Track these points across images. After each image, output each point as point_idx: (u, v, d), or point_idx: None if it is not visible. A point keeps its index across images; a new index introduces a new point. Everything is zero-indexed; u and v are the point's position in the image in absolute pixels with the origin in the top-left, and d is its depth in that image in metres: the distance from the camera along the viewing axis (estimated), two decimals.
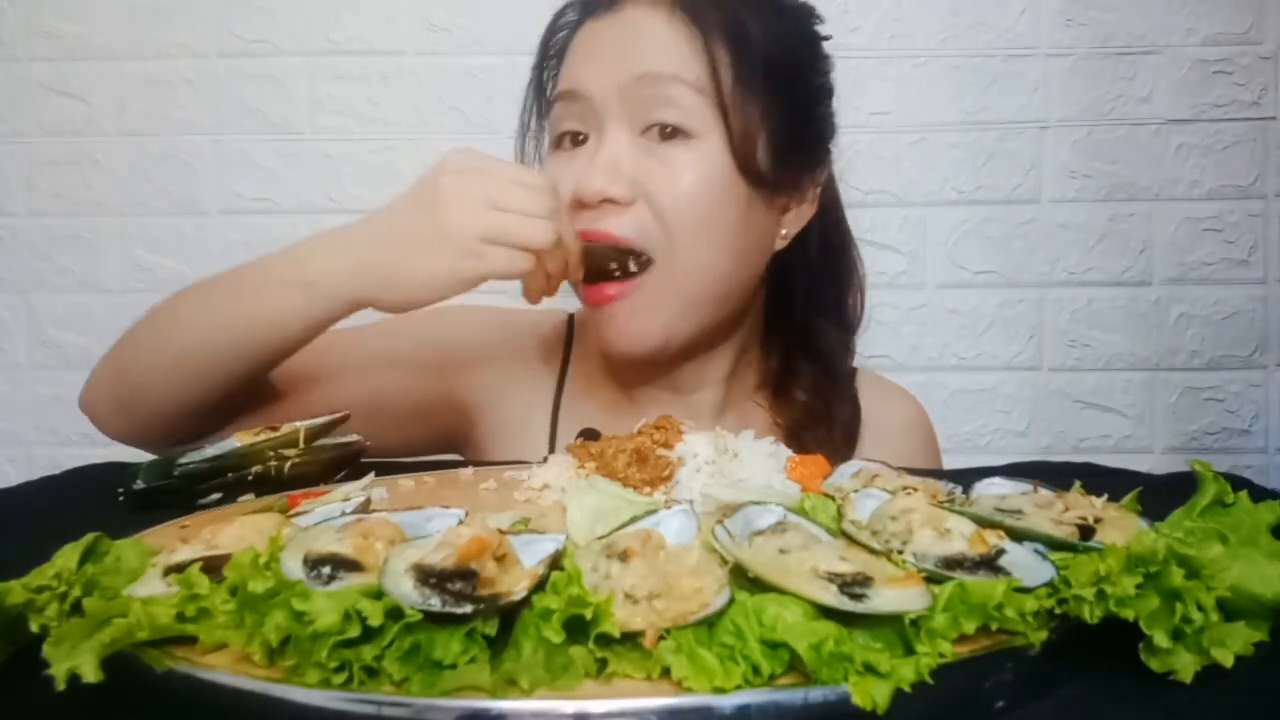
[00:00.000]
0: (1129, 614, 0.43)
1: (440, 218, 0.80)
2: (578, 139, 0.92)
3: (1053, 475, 0.65)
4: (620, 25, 0.91)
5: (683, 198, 0.88)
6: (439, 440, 1.05)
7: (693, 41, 0.88)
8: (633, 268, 0.88)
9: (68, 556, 0.48)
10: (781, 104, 0.91)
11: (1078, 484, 0.61)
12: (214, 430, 0.91)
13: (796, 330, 1.02)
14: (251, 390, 0.92)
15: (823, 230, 1.01)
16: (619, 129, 0.89)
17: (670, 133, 0.88)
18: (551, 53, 0.98)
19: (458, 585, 0.41)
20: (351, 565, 0.45)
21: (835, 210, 1.04)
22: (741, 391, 1.03)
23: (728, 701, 0.38)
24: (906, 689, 0.39)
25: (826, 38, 0.98)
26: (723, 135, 0.88)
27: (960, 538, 0.49)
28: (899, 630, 0.41)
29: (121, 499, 0.77)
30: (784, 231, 0.97)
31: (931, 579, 0.45)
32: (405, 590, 0.41)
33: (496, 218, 0.80)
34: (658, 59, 0.89)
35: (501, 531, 0.47)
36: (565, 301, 1.05)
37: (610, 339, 0.92)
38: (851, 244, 1.06)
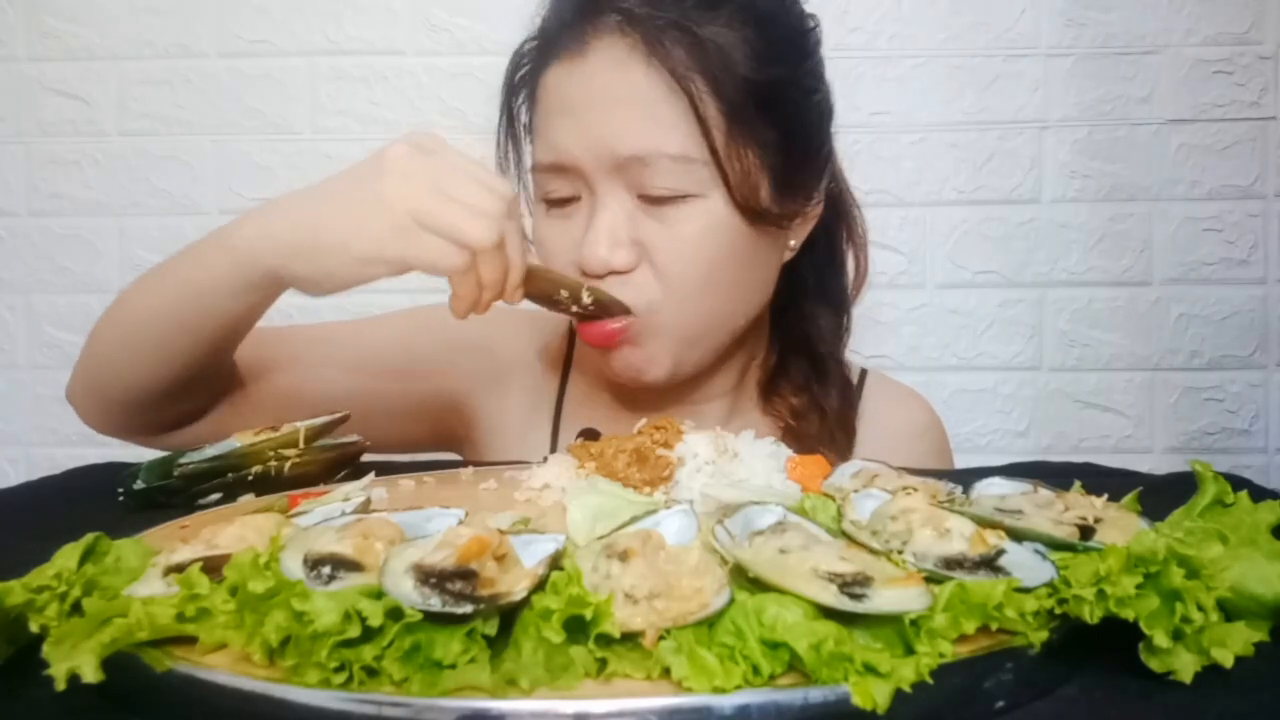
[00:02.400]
0: (1129, 614, 0.43)
1: (379, 185, 0.73)
2: (565, 201, 0.87)
3: (1053, 475, 0.64)
4: (591, 79, 0.84)
5: (685, 256, 0.84)
6: (436, 437, 1.04)
7: (676, 102, 0.81)
8: (586, 299, 0.82)
9: (68, 556, 0.48)
10: (776, 126, 0.86)
11: (1078, 484, 0.61)
12: (190, 419, 0.90)
13: (795, 324, 1.00)
14: (215, 372, 0.90)
15: (825, 222, 0.97)
16: (614, 193, 0.84)
17: (668, 195, 0.83)
18: (517, 85, 0.93)
19: (458, 585, 0.41)
20: (351, 565, 0.45)
21: (834, 183, 0.98)
22: (746, 400, 1.01)
23: (728, 701, 0.38)
24: (906, 689, 0.39)
25: (812, 28, 0.92)
26: (722, 189, 0.84)
27: (960, 538, 0.49)
28: (899, 630, 0.41)
29: (121, 499, 0.77)
30: (792, 242, 0.94)
31: (931, 579, 0.45)
32: (405, 590, 0.41)
33: (437, 202, 0.72)
34: (642, 135, 0.82)
35: (501, 531, 0.47)
36: None
37: (617, 370, 0.89)
38: (850, 204, 1.01)
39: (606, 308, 0.83)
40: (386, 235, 0.72)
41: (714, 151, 0.82)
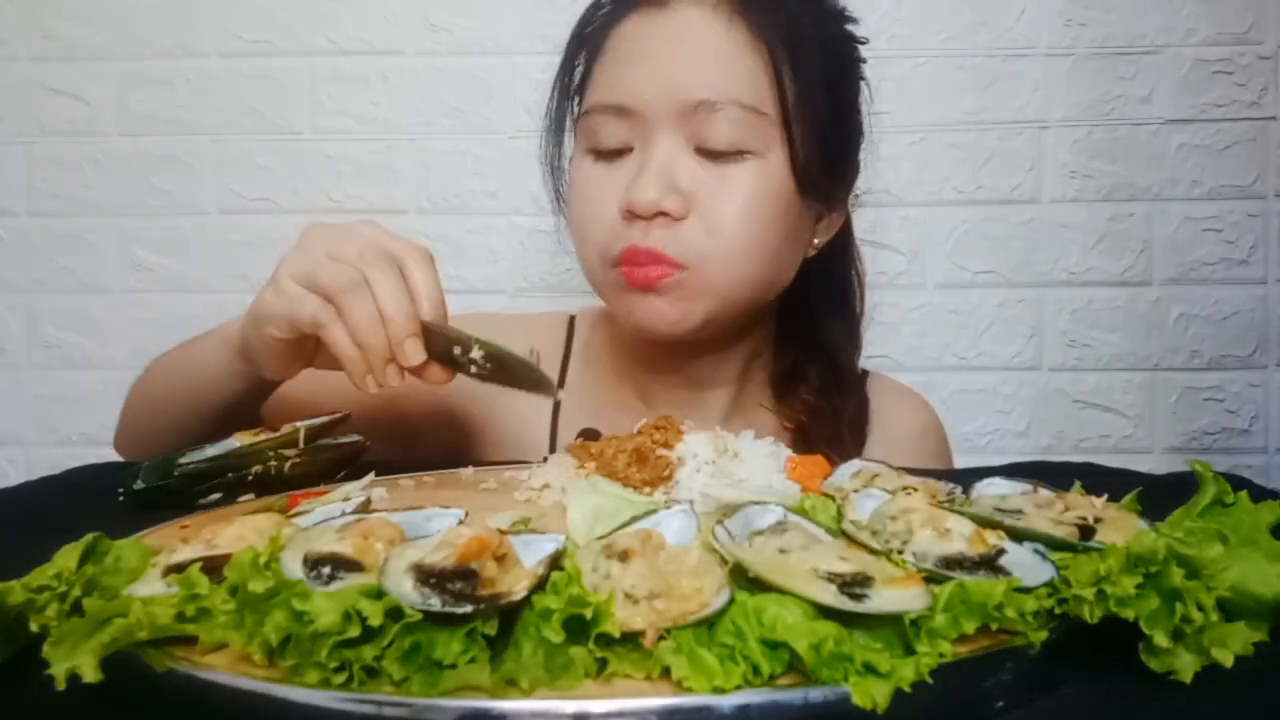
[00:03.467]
0: (1129, 614, 0.43)
1: (283, 259, 0.76)
2: (613, 154, 0.88)
3: (1053, 475, 0.64)
4: (672, 29, 0.85)
5: (738, 214, 0.85)
6: (441, 455, 1.04)
7: (755, 54, 0.84)
8: (476, 354, 0.73)
9: (68, 556, 0.48)
10: (832, 109, 0.88)
11: (1078, 484, 0.61)
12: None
13: (807, 331, 1.01)
14: (243, 424, 0.92)
15: (840, 236, 1.01)
16: (671, 141, 0.85)
17: (729, 149, 0.84)
18: (585, 43, 0.93)
19: (458, 585, 0.41)
20: (351, 565, 0.45)
21: (848, 215, 1.03)
22: (751, 393, 1.02)
23: (728, 701, 0.38)
24: (906, 689, 0.39)
25: (864, 40, 0.96)
26: (784, 151, 0.85)
27: (960, 538, 0.49)
28: (899, 630, 0.41)
29: (121, 499, 0.77)
30: (816, 240, 0.96)
31: (931, 579, 0.45)
32: (405, 590, 0.41)
33: (314, 260, 0.73)
34: (717, 80, 0.83)
35: (501, 531, 0.47)
36: (566, 302, 1.05)
37: (649, 319, 0.88)
38: (852, 235, 1.05)
39: (506, 367, 0.73)
40: (269, 297, 0.76)
41: (784, 108, 0.84)
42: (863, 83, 0.97)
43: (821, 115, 0.87)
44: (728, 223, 0.85)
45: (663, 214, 0.84)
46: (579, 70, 0.94)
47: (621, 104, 0.86)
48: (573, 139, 0.95)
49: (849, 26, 0.95)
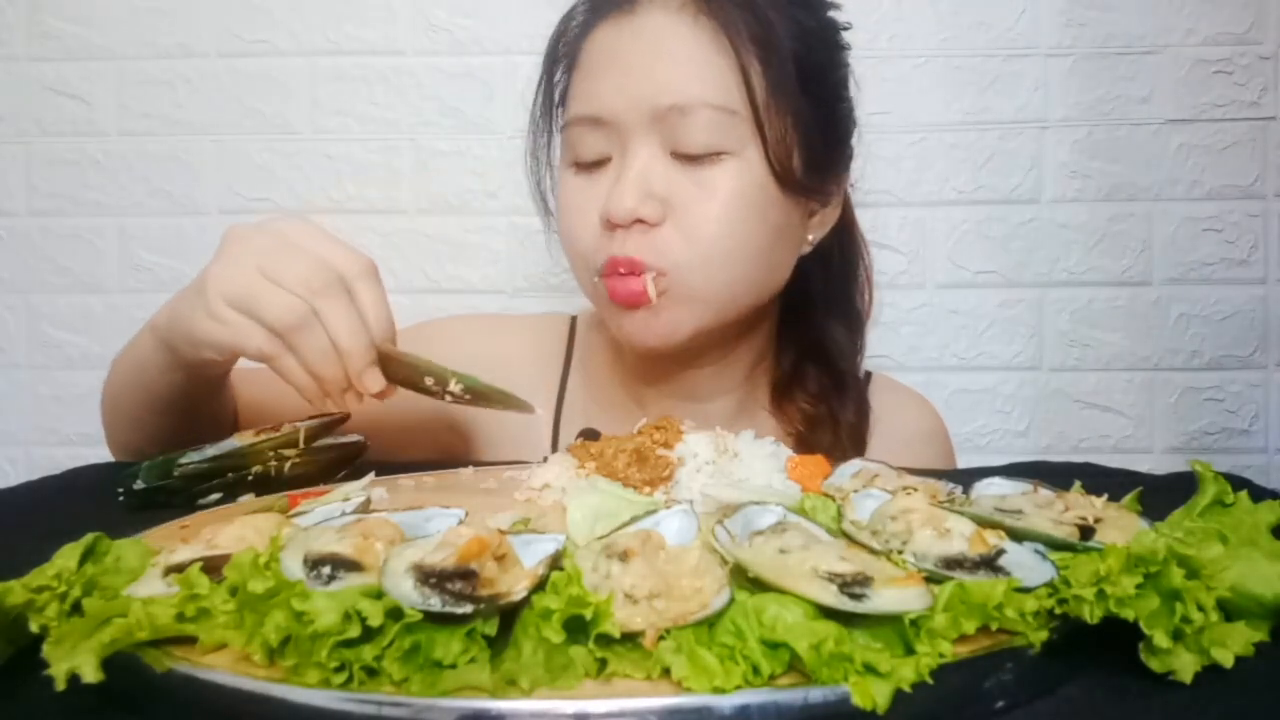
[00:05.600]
0: (1129, 614, 0.43)
1: (207, 269, 0.73)
2: (594, 165, 0.88)
3: (1053, 475, 0.64)
4: (639, 35, 0.85)
5: (717, 216, 0.84)
6: (441, 447, 1.04)
7: (722, 54, 0.83)
8: (454, 387, 0.74)
9: (68, 556, 0.48)
10: (811, 104, 0.87)
11: (1078, 484, 0.61)
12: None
13: (808, 333, 1.00)
14: (212, 418, 0.92)
15: (839, 232, 0.99)
16: (647, 148, 0.85)
17: (703, 152, 0.84)
18: (561, 54, 0.94)
19: (458, 585, 0.41)
20: (351, 565, 0.45)
21: (849, 210, 1.02)
22: (754, 401, 1.01)
23: (728, 701, 0.38)
24: (906, 689, 0.39)
25: (845, 26, 0.95)
26: (758, 149, 0.84)
27: (960, 538, 0.49)
28: (899, 630, 0.41)
29: (121, 499, 0.77)
30: (810, 237, 0.95)
31: (931, 579, 0.45)
32: (405, 590, 0.41)
33: (249, 280, 0.70)
34: (686, 84, 0.83)
35: (501, 531, 0.47)
36: (565, 303, 1.05)
37: (636, 333, 0.88)
38: (860, 237, 1.04)
39: (485, 396, 0.75)
40: (205, 321, 0.72)
41: (754, 106, 0.83)
42: (848, 71, 0.96)
43: (800, 109, 0.86)
44: (706, 226, 0.84)
45: (640, 221, 0.84)
46: (559, 84, 0.94)
47: (595, 115, 0.86)
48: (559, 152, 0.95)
49: (831, 14, 0.94)
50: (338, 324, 0.70)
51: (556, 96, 0.95)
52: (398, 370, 0.74)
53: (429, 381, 0.74)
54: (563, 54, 0.94)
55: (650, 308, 0.86)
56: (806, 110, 0.87)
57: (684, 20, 0.84)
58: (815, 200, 0.93)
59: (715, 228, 0.84)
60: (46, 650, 0.42)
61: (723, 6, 0.84)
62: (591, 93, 0.87)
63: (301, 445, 0.80)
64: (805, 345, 1.01)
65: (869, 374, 1.06)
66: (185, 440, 0.82)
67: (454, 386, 0.74)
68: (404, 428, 0.98)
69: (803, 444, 0.95)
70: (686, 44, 0.84)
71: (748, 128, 0.84)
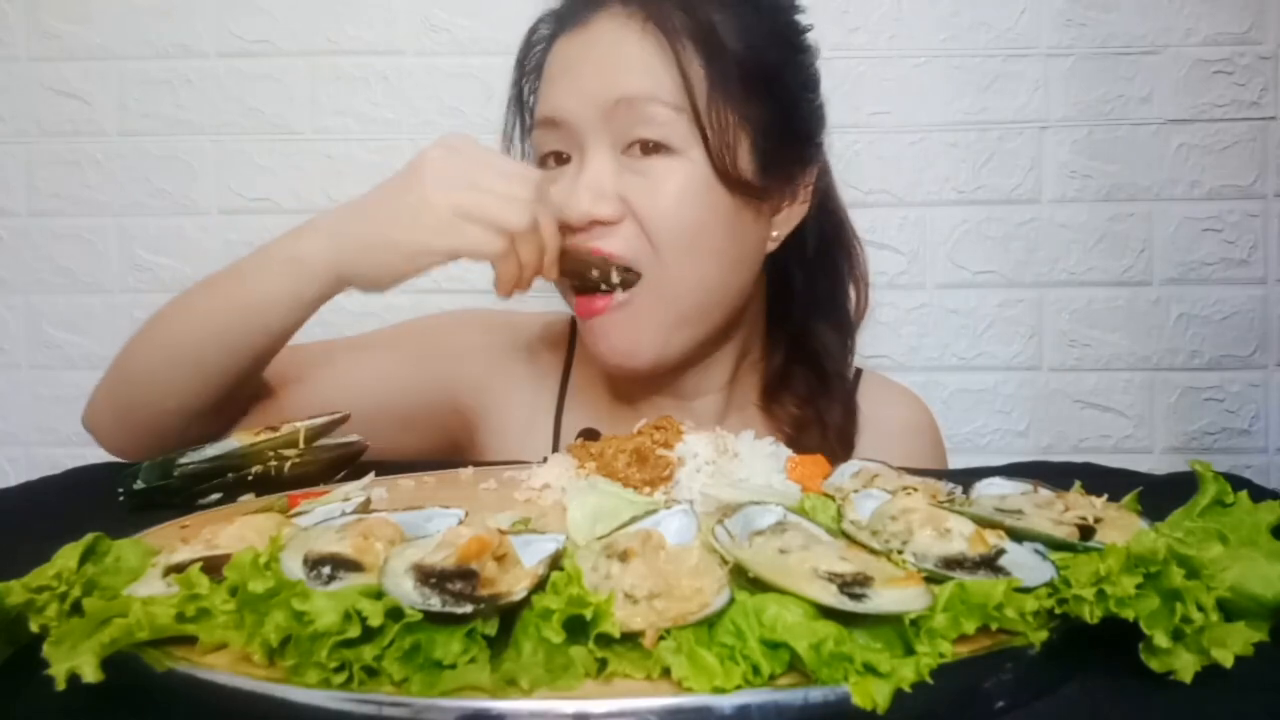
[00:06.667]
0: (1129, 614, 0.43)
1: (421, 191, 0.82)
2: (561, 158, 0.92)
3: (1053, 475, 0.64)
4: (592, 43, 0.90)
5: (667, 212, 0.87)
6: (442, 445, 1.04)
7: (665, 56, 0.87)
8: (615, 278, 0.87)
9: (68, 556, 0.48)
10: (763, 105, 0.89)
11: (1078, 484, 0.61)
12: (213, 438, 0.91)
13: (794, 332, 1.01)
14: (246, 391, 0.92)
15: (819, 227, 0.99)
16: (600, 148, 0.88)
17: (652, 148, 0.87)
18: (529, 68, 0.98)
19: (458, 585, 0.41)
20: (351, 565, 0.45)
21: (830, 204, 1.02)
22: (744, 397, 1.01)
23: (728, 701, 0.38)
24: (906, 689, 0.39)
25: (808, 28, 0.96)
26: (703, 148, 0.87)
27: (960, 538, 0.49)
28: (899, 630, 0.41)
29: (121, 499, 0.77)
30: (775, 233, 0.95)
31: (931, 579, 0.45)
32: (405, 590, 0.41)
33: (474, 195, 0.81)
34: (632, 80, 0.87)
35: (501, 531, 0.47)
36: (565, 303, 1.04)
37: (603, 353, 0.92)
38: (851, 237, 1.04)
39: (630, 282, 0.88)
40: (434, 231, 0.82)
41: (694, 106, 0.87)
42: (812, 71, 0.97)
43: (748, 109, 0.88)
44: (660, 220, 0.87)
45: (598, 223, 0.87)
46: (529, 99, 0.98)
47: (551, 117, 0.91)
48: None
49: (795, 17, 0.96)
50: (548, 224, 0.84)
51: (527, 109, 0.98)
52: (569, 262, 0.87)
53: (594, 274, 0.87)
54: (530, 68, 0.98)
55: (611, 314, 0.88)
56: (758, 110, 0.89)
57: (632, 27, 0.88)
58: (773, 198, 0.93)
59: (669, 222, 0.87)
60: (46, 650, 0.42)
61: (667, 13, 0.88)
62: (549, 96, 0.92)
63: (301, 445, 0.80)
64: (797, 350, 1.01)
65: (859, 371, 1.06)
66: (205, 410, 0.88)
67: (615, 277, 0.87)
68: (406, 424, 0.99)
69: (791, 446, 0.95)
70: (634, 47, 0.88)
71: (690, 127, 0.87)
